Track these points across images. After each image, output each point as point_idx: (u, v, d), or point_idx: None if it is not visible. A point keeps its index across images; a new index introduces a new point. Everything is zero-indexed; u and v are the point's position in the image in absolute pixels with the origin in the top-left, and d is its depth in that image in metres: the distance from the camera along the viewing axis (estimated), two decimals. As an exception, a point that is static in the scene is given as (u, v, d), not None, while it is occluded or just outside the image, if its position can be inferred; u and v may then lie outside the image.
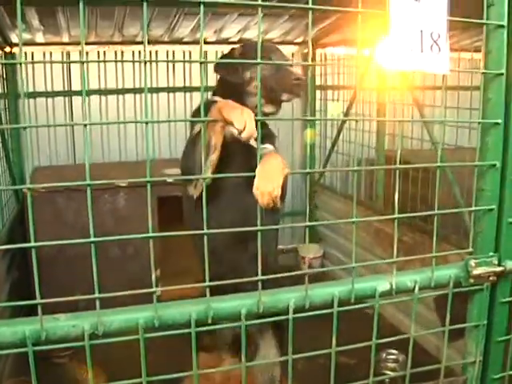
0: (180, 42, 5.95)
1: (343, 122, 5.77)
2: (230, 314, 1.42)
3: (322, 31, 5.77)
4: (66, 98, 6.02)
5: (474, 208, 1.74)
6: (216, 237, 2.13)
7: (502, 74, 1.66)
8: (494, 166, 1.69)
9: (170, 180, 1.50)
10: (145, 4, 1.23)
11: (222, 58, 2.64)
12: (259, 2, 1.35)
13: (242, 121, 1.90)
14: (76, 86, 5.99)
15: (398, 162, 1.56)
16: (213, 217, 1.88)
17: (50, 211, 4.63)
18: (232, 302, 1.43)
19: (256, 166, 1.76)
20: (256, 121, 1.69)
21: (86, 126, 1.18)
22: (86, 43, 5.91)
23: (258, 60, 1.36)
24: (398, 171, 1.54)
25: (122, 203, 4.80)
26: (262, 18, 5.17)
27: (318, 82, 6.39)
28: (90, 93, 5.87)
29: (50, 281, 3.90)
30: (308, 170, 1.64)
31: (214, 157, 2.15)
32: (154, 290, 1.30)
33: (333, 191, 6.20)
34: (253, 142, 2.13)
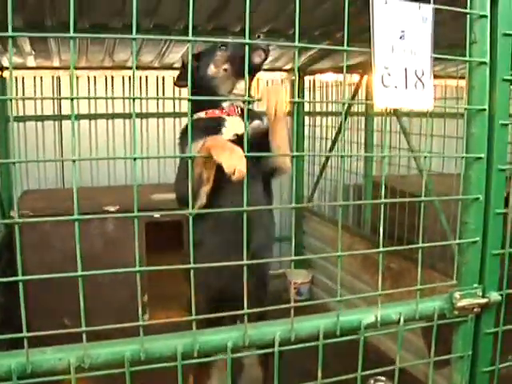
0: (170, 67, 6.00)
1: (331, 148, 5.81)
2: (216, 346, 1.43)
3: (311, 58, 5.84)
4: (56, 122, 6.03)
5: (458, 241, 1.77)
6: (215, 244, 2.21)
7: (485, 110, 1.69)
8: (478, 199, 1.72)
9: (157, 215, 1.50)
10: (133, 42, 1.25)
11: (179, 74, 2.68)
12: (246, 40, 1.37)
13: (232, 165, 1.94)
14: (66, 110, 6.00)
15: (382, 197, 1.58)
16: (213, 230, 1.96)
17: (37, 235, 4.62)
18: (218, 334, 1.44)
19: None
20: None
21: (74, 161, 1.20)
22: (77, 68, 5.95)
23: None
24: (383, 206, 1.56)
25: (111, 227, 4.80)
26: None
27: (306, 108, 6.44)
28: (79, 117, 5.88)
29: (37, 304, 3.89)
30: (293, 206, 1.62)
31: (206, 189, 2.18)
32: (140, 323, 1.30)
33: (321, 217, 6.22)
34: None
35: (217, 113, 2.48)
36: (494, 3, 1.70)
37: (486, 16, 1.67)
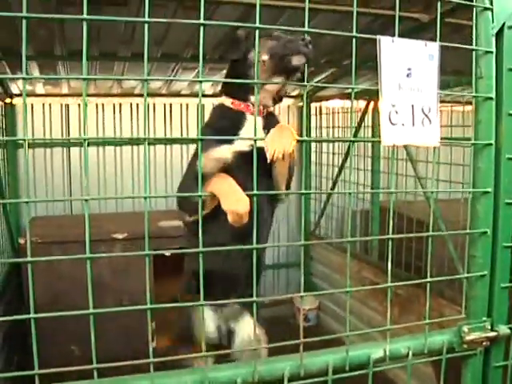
0: (178, 94, 6.06)
1: (338, 174, 5.82)
2: (225, 383, 1.43)
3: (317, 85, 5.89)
4: (64, 148, 6.07)
5: (466, 275, 1.77)
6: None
7: (491, 145, 1.71)
8: (485, 233, 1.73)
9: (167, 253, 1.51)
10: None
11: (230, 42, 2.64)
12: (255, 80, 1.40)
13: (235, 213, 1.98)
14: (74, 135, 6.05)
15: (390, 232, 1.59)
16: (212, 233, 1.98)
17: (45, 262, 4.63)
18: (227, 371, 1.45)
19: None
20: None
21: (86, 200, 1.22)
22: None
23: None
24: (390, 242, 1.57)
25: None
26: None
27: (312, 135, 6.46)
28: (87, 143, 5.91)
29: (45, 333, 3.89)
30: (303, 242, 1.64)
31: (204, 212, 2.17)
32: (151, 360, 1.31)
33: (328, 243, 6.22)
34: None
35: (241, 107, 2.42)
36: (499, 39, 1.73)
37: (491, 52, 1.70)
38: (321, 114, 6.45)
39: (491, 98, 1.70)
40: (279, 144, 2.01)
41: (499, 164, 1.75)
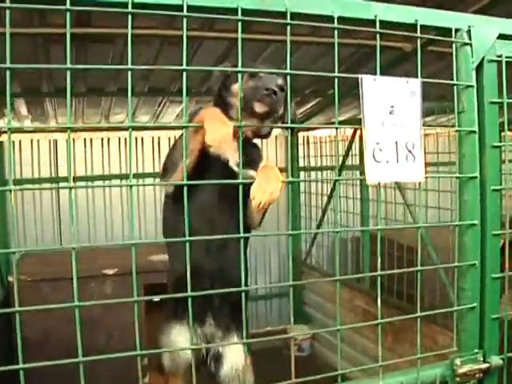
0: (166, 127, 6.08)
1: (327, 204, 5.84)
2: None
3: (304, 114, 5.93)
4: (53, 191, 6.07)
5: (456, 308, 1.77)
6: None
7: (476, 177, 1.72)
8: (474, 265, 1.73)
9: (156, 299, 1.49)
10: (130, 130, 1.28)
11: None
12: (240, 123, 1.41)
13: (213, 136, 1.91)
14: (63, 172, 6.04)
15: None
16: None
17: (35, 299, 4.58)
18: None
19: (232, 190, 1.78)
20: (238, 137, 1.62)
21: (74, 249, 1.22)
22: (73, 130, 6.01)
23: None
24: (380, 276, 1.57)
25: (109, 290, 4.78)
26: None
27: (301, 164, 6.49)
28: (75, 180, 5.92)
29: (34, 370, 3.84)
30: (291, 283, 1.62)
31: (187, 162, 2.12)
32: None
33: (320, 272, 6.20)
34: (233, 166, 2.21)
35: None
36: (480, 73, 1.76)
37: (472, 86, 1.72)
38: (308, 143, 6.49)
39: (474, 132, 1.72)
40: (265, 193, 2.02)
41: (485, 196, 1.77)
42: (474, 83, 1.73)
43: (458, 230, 1.76)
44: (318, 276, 6.03)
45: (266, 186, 2.03)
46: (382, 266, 1.65)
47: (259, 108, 2.27)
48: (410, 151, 1.53)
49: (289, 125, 1.48)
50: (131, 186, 1.33)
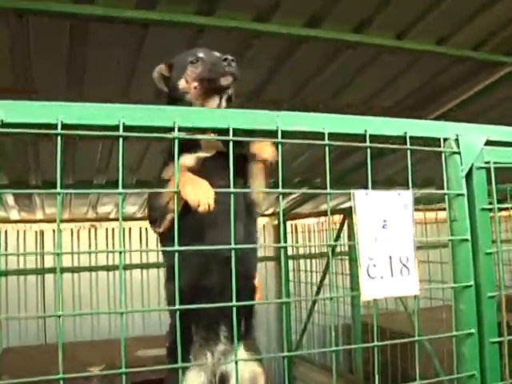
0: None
1: (317, 293, 5.77)
2: None
3: (292, 203, 5.95)
4: (39, 276, 5.98)
5: (456, 375, 1.70)
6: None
7: (471, 286, 1.70)
8: (471, 334, 1.69)
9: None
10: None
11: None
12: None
13: (196, 199, 1.85)
14: (49, 263, 5.96)
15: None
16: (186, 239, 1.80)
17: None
18: None
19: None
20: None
21: (59, 316, 1.16)
22: (60, 221, 5.98)
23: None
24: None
25: (97, 391, 4.62)
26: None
27: (289, 252, 6.45)
28: (62, 270, 5.82)
29: None
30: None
31: (170, 217, 2.05)
32: None
33: (311, 362, 6.06)
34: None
35: None
36: (470, 180, 1.76)
37: (463, 194, 1.72)
38: (296, 231, 6.48)
39: (467, 240, 1.70)
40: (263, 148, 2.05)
41: (481, 303, 1.74)
42: (464, 191, 1.72)
43: (456, 339, 1.72)
44: (310, 366, 5.89)
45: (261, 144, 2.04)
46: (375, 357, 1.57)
47: (226, 81, 2.26)
48: (404, 265, 1.51)
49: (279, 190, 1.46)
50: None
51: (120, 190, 1.28)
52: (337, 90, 3.87)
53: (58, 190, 1.25)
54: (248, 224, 2.31)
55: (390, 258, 1.49)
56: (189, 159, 2.21)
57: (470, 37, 3.46)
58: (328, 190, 1.51)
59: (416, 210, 1.63)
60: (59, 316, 1.24)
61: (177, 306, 1.40)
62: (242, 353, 2.32)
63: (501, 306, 1.87)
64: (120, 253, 1.34)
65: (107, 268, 5.95)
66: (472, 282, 1.71)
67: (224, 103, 2.40)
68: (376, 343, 1.53)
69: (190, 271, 2.08)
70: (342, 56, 3.42)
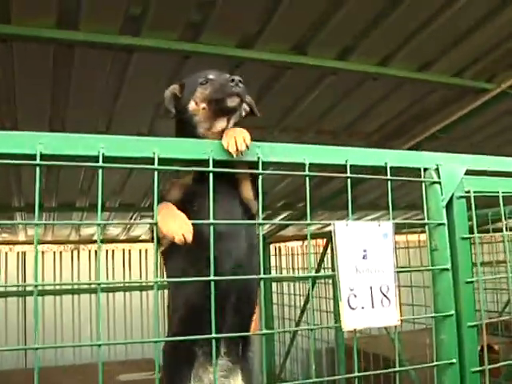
0: (136, 240, 6.04)
1: (300, 316, 5.75)
2: None
3: (276, 226, 5.95)
4: (20, 298, 5.91)
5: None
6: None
7: (452, 315, 1.70)
8: (453, 364, 1.68)
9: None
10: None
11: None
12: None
13: (172, 233, 1.79)
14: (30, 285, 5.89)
15: None
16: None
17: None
18: None
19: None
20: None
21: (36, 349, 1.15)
22: (43, 242, 5.95)
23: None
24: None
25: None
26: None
27: (273, 273, 6.43)
28: (44, 293, 5.78)
29: None
30: None
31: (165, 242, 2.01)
32: None
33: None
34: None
35: None
36: (450, 209, 1.77)
37: (443, 224, 1.73)
38: (280, 254, 6.47)
39: (447, 269, 1.71)
40: (231, 137, 1.89)
41: (462, 332, 1.74)
42: (444, 221, 1.73)
43: (437, 368, 1.71)
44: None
45: (233, 133, 1.89)
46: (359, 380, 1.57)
47: (232, 102, 2.19)
48: (384, 295, 1.51)
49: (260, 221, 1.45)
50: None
51: (99, 221, 1.28)
52: (320, 115, 3.89)
53: (36, 221, 1.24)
54: (249, 232, 2.25)
55: (371, 288, 1.49)
56: (186, 177, 2.16)
57: (451, 63, 3.49)
58: (308, 221, 1.51)
59: (399, 233, 1.63)
60: (36, 349, 1.23)
61: (156, 338, 1.38)
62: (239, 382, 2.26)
63: (482, 334, 1.87)
64: (98, 284, 1.33)
65: (89, 291, 5.89)
66: (453, 312, 1.72)
67: (231, 125, 2.36)
68: (357, 374, 1.53)
69: (192, 288, 2.05)
70: (325, 82, 3.44)
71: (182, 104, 2.36)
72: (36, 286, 1.24)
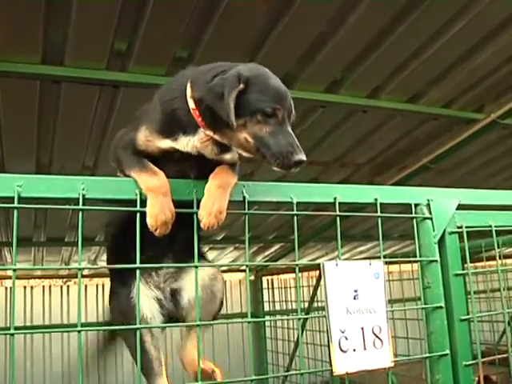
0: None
1: (294, 351, 5.67)
2: None
3: (268, 259, 5.91)
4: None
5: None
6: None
7: (447, 355, 1.65)
8: None
9: None
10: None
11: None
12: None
13: (155, 223, 1.58)
14: (18, 321, 5.80)
15: None
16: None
17: None
18: None
19: None
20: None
21: None
22: (32, 277, 5.88)
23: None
24: None
25: None
26: (210, 249, 5.30)
27: (266, 308, 6.35)
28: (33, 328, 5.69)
29: None
30: None
31: None
32: None
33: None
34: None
35: (200, 120, 1.79)
36: (442, 245, 1.73)
37: (436, 261, 1.69)
38: (273, 287, 6.39)
39: (441, 307, 1.66)
40: (211, 216, 1.62)
41: (457, 372, 1.69)
42: (437, 257, 1.70)
43: (428, 363, 1.67)
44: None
45: (211, 206, 1.58)
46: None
47: (294, 169, 1.60)
48: (377, 336, 1.46)
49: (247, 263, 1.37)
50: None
51: (80, 265, 1.24)
52: (310, 147, 3.87)
53: (14, 266, 1.20)
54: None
55: (363, 329, 1.45)
56: (165, 144, 1.78)
57: (441, 94, 3.50)
58: (296, 262, 1.47)
59: (392, 263, 1.59)
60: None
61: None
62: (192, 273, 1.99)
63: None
64: (79, 332, 1.29)
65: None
66: (448, 351, 1.67)
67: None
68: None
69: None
70: (315, 115, 3.43)
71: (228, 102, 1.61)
72: (12, 334, 1.20)
